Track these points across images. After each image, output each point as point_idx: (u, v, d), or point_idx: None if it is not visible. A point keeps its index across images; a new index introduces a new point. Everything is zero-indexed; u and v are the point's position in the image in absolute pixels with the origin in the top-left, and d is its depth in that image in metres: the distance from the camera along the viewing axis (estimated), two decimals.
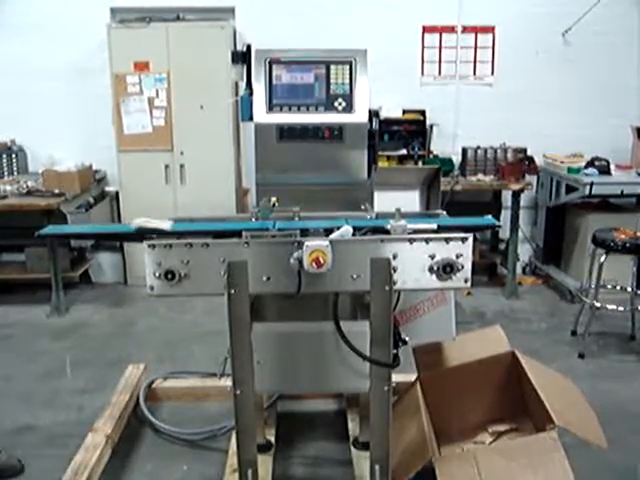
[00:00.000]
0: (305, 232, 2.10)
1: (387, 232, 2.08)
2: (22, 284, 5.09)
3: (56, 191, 4.63)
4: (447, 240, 1.95)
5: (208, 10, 5.14)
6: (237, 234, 2.07)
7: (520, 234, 5.16)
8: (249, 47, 2.71)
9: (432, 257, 1.95)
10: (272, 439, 2.79)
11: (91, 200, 4.83)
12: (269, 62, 2.64)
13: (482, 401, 2.63)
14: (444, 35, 5.34)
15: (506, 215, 5.17)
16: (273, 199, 2.25)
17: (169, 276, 1.92)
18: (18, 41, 5.10)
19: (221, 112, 4.96)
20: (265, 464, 2.55)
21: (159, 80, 4.91)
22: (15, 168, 5.19)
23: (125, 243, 5.07)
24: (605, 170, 4.79)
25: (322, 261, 1.84)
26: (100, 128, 5.07)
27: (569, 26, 5.19)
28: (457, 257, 1.95)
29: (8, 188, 4.71)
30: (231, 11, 5.17)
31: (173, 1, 5.08)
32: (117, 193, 5.21)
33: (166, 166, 5.07)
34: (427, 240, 1.95)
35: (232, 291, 1.90)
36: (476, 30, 5.34)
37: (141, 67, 4.89)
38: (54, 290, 4.61)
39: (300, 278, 1.88)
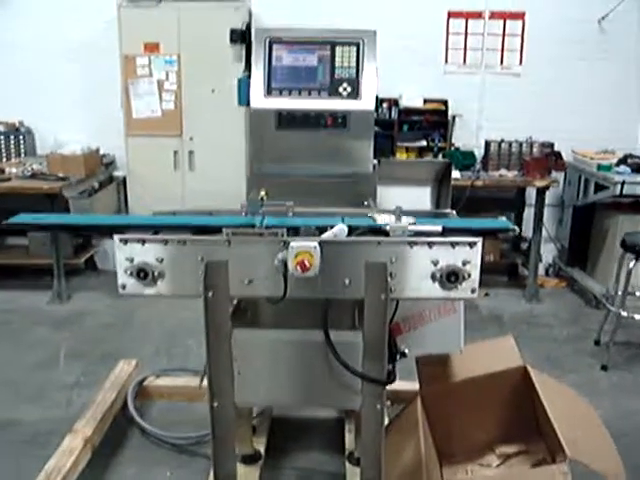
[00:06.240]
0: (297, 230, 1.90)
1: (386, 233, 1.87)
2: (28, 269, 4.99)
3: (60, 175, 4.50)
4: (453, 244, 1.74)
5: None
6: (221, 230, 1.88)
7: (544, 233, 4.91)
8: (249, 25, 2.50)
9: (435, 263, 1.74)
10: (261, 449, 2.60)
11: (96, 185, 4.70)
12: (269, 42, 2.42)
13: (490, 419, 2.41)
14: (470, 21, 5.08)
15: (529, 213, 4.96)
16: (262, 192, 2.04)
17: (141, 274, 1.75)
18: (27, 21, 4.98)
19: (233, 97, 4.72)
20: (250, 476, 2.37)
21: (169, 62, 4.72)
22: (22, 150, 5.08)
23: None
24: (638, 168, 4.54)
25: (308, 264, 1.64)
26: (110, 111, 4.89)
27: (606, 13, 4.88)
28: (464, 264, 1.74)
29: (13, 170, 4.62)
30: None
31: None
32: (125, 178, 5.06)
33: (175, 152, 4.90)
34: (430, 244, 1.74)
35: (209, 294, 1.72)
36: (505, 16, 5.07)
37: (151, 48, 4.69)
38: (55, 277, 4.50)
39: (286, 282, 1.69)
